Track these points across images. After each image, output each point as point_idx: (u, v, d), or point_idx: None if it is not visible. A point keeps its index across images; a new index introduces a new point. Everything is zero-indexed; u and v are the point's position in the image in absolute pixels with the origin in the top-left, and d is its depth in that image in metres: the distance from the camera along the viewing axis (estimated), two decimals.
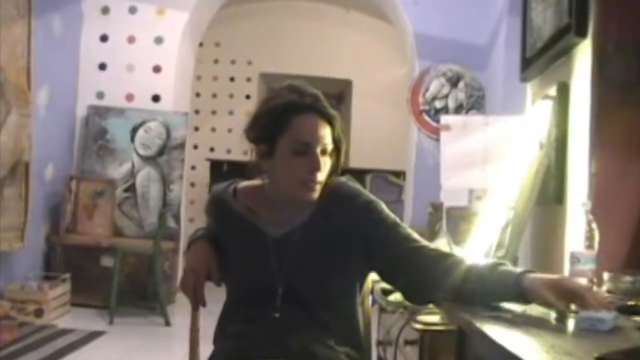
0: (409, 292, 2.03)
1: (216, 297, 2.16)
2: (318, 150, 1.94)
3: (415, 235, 2.00)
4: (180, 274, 2.16)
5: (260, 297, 2.00)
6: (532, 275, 1.78)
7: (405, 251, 1.96)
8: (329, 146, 1.96)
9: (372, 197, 2.05)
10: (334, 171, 2.01)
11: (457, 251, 2.96)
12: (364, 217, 1.99)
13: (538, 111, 3.01)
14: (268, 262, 1.99)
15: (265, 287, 1.99)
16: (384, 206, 2.03)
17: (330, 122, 1.96)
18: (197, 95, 9.20)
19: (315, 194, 1.97)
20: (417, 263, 1.94)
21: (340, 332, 1.99)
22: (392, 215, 2.03)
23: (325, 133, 1.95)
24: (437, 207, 4.37)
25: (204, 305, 2.07)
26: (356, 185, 2.08)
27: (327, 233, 1.98)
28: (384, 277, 2.08)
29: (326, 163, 1.96)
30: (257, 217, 2.04)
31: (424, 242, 1.99)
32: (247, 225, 2.04)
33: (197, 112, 9.29)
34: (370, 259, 2.00)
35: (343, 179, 2.07)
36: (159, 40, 6.91)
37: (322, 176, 1.96)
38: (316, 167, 1.93)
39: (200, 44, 8.13)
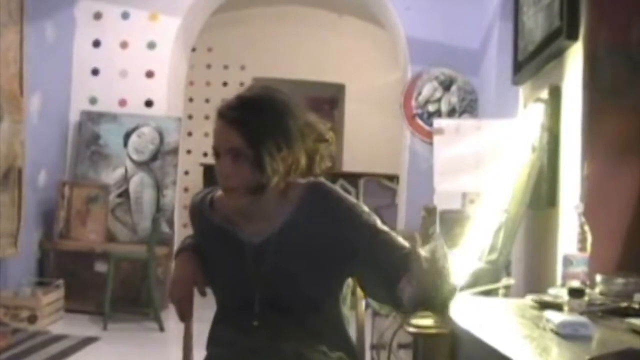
0: (380, 298, 2.03)
1: (208, 302, 2.16)
2: (226, 154, 1.91)
3: (394, 238, 1.96)
4: None
5: (240, 305, 2.00)
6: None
7: (383, 258, 1.92)
8: (241, 149, 1.89)
9: (351, 199, 2.01)
10: (287, 173, 1.95)
11: (451, 255, 2.97)
12: (344, 220, 1.95)
13: (530, 114, 3.02)
14: (246, 270, 1.98)
15: (244, 295, 1.98)
16: (364, 208, 1.99)
17: (237, 125, 1.90)
18: (190, 100, 9.18)
19: (235, 200, 1.95)
20: (392, 268, 1.89)
21: (328, 336, 1.98)
22: (372, 218, 1.98)
23: (230, 136, 1.90)
24: (430, 211, 4.37)
25: (189, 317, 2.08)
26: (334, 187, 2.03)
27: (305, 237, 1.96)
28: (360, 282, 2.06)
29: (239, 167, 1.90)
30: (235, 225, 2.02)
31: (400, 244, 1.95)
32: (225, 235, 2.03)
33: (190, 117, 9.27)
34: (349, 263, 1.96)
35: (320, 180, 2.02)
36: (151, 46, 6.90)
37: (237, 180, 1.91)
38: (220, 171, 1.93)
39: (193, 49, 8.12)
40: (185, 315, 2.08)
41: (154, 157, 6.74)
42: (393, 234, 1.98)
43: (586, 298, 1.88)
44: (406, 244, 1.95)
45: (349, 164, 9.16)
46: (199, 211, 2.11)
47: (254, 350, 1.93)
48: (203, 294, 2.08)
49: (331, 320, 2.01)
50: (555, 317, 1.61)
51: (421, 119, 6.40)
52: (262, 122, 1.91)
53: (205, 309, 2.08)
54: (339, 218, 1.96)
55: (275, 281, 1.96)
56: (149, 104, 6.91)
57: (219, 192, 2.08)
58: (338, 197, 2.00)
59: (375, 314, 2.88)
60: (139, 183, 6.71)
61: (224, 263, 2.04)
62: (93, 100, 6.87)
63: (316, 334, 1.96)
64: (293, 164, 1.95)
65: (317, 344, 1.95)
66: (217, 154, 1.94)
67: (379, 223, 1.98)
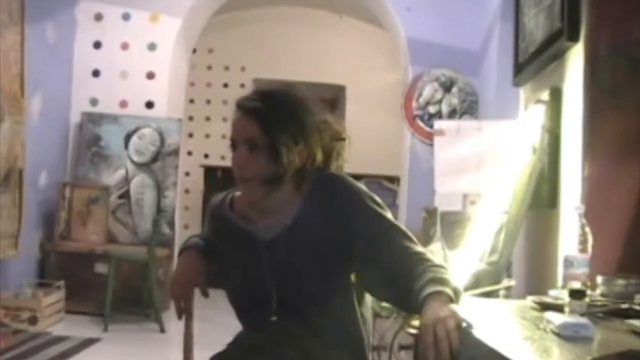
0: (380, 297, 2.03)
1: (208, 302, 2.16)
2: (242, 145, 1.92)
3: (401, 234, 1.93)
4: None
5: (256, 303, 2.00)
6: (429, 304, 1.71)
7: (385, 252, 1.90)
8: (257, 139, 1.91)
9: (361, 188, 1.99)
10: (302, 167, 1.94)
11: (451, 256, 2.97)
12: (348, 206, 1.93)
13: (531, 116, 3.02)
14: (260, 267, 1.98)
15: (260, 292, 1.98)
16: (375, 198, 1.97)
17: (255, 115, 1.92)
18: (191, 101, 9.19)
19: (251, 192, 1.96)
20: (394, 265, 1.88)
21: (338, 335, 1.95)
22: (381, 209, 1.96)
23: (247, 126, 1.92)
24: (431, 212, 4.38)
25: (189, 315, 2.08)
26: (342, 176, 2.01)
27: (313, 232, 1.94)
28: (362, 279, 2.02)
29: (255, 157, 1.91)
30: (252, 223, 2.02)
31: (405, 244, 1.92)
32: (241, 233, 2.03)
33: (190, 118, 9.28)
34: (354, 255, 1.93)
35: (329, 172, 2.01)
36: (152, 47, 6.91)
37: (253, 171, 1.92)
38: (234, 162, 1.94)
39: (194, 51, 8.12)
40: (184, 314, 2.08)
41: (155, 158, 6.74)
42: (402, 229, 1.95)
43: (587, 299, 1.88)
44: (415, 244, 1.93)
45: (350, 166, 9.09)
46: (217, 212, 2.11)
47: (265, 347, 1.93)
48: (205, 294, 2.08)
49: (339, 318, 1.97)
50: (556, 319, 1.61)
51: (422, 120, 6.40)
52: (280, 113, 1.93)
53: (206, 309, 2.09)
54: (343, 205, 1.93)
55: (287, 277, 1.95)
56: (149, 105, 6.92)
57: (239, 192, 2.08)
58: (345, 185, 1.98)
59: (376, 315, 2.88)
60: (140, 184, 6.71)
61: (240, 261, 2.04)
62: (94, 102, 6.88)
63: (325, 332, 1.93)
64: (309, 159, 1.95)
65: (327, 342, 1.92)
66: (233, 145, 1.96)
67: (388, 216, 1.96)
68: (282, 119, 1.92)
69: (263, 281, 1.98)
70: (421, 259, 1.88)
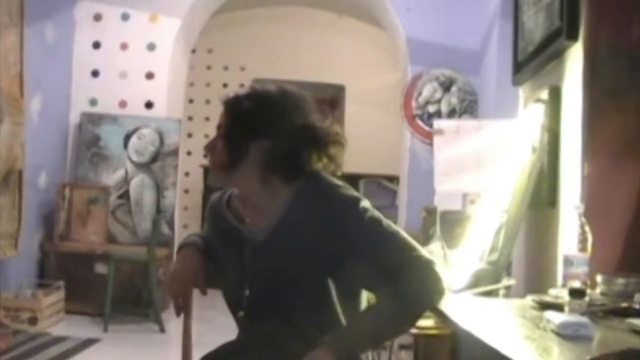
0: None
1: (208, 303, 2.16)
2: (216, 132, 2.02)
3: (389, 238, 1.89)
4: None
5: (234, 300, 2.03)
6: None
7: (375, 260, 1.87)
8: (221, 128, 2.00)
9: (347, 194, 1.95)
10: (268, 165, 1.94)
11: (451, 255, 2.97)
12: (335, 217, 1.89)
13: (530, 115, 3.01)
14: (248, 267, 1.99)
15: (244, 292, 1.99)
16: (362, 205, 1.92)
17: (225, 106, 2.01)
18: (190, 101, 9.18)
19: (210, 177, 2.05)
20: (385, 272, 1.85)
21: (318, 338, 1.86)
22: (368, 215, 1.90)
23: (222, 116, 2.02)
24: (431, 212, 4.38)
25: (187, 314, 2.08)
26: (334, 186, 1.97)
27: (298, 234, 1.91)
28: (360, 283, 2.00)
29: (218, 145, 1.99)
30: (244, 223, 2.03)
31: (395, 249, 1.88)
32: (235, 232, 2.03)
33: (190, 118, 9.27)
34: (343, 262, 1.88)
35: (315, 173, 1.98)
36: (151, 47, 6.91)
37: (213, 157, 2.01)
38: (204, 147, 2.03)
39: (193, 51, 8.12)
40: (183, 312, 2.08)
41: (154, 158, 6.74)
42: (391, 244, 1.89)
43: (587, 298, 1.88)
44: (408, 247, 1.88)
45: (349, 165, 9.07)
46: (215, 210, 2.13)
47: (247, 348, 1.94)
48: (204, 292, 2.09)
49: (324, 320, 1.93)
50: (555, 318, 1.61)
51: (421, 119, 6.40)
52: (248, 108, 1.97)
53: (205, 310, 2.09)
54: (331, 217, 1.89)
55: (272, 278, 1.95)
56: (149, 105, 6.92)
57: (236, 191, 2.09)
58: (329, 194, 1.94)
59: None
60: (139, 184, 6.71)
61: (230, 260, 2.04)
62: (93, 102, 6.87)
63: (307, 333, 1.89)
64: (278, 157, 1.93)
65: (309, 344, 1.86)
66: None
67: (378, 228, 1.90)
68: (247, 113, 1.96)
69: (249, 281, 1.98)
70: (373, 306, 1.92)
